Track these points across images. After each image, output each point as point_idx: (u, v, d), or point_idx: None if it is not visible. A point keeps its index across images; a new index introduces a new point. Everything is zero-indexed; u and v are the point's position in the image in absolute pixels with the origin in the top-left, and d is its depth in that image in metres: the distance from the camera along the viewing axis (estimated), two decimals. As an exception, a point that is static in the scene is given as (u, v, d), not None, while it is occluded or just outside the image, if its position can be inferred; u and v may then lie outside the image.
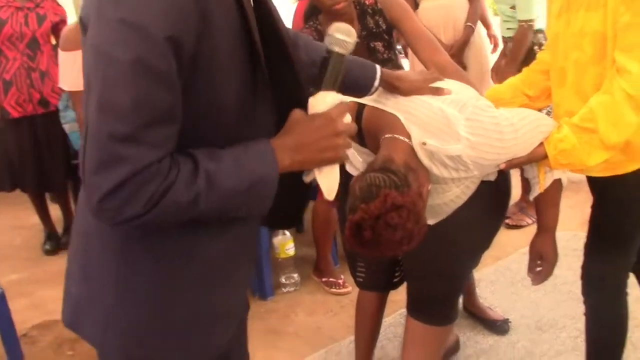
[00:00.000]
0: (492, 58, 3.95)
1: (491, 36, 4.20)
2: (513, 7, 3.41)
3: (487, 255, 2.00)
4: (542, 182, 1.69)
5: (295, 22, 3.19)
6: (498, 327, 2.69)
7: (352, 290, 3.04)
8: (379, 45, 2.16)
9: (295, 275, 3.26)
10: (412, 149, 1.55)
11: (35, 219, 4.09)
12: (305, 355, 2.67)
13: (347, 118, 1.13)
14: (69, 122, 3.53)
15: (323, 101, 1.12)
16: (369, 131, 1.70)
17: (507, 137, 1.53)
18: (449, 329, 2.05)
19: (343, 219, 1.72)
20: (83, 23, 1.00)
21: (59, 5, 3.76)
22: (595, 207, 1.87)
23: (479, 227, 1.80)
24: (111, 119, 0.91)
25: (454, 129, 1.52)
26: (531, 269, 1.89)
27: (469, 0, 3.72)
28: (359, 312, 2.28)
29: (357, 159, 1.79)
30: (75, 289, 1.17)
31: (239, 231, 1.17)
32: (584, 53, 1.66)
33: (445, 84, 1.66)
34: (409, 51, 3.31)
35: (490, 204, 1.75)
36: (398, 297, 2.21)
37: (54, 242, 4.00)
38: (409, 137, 1.56)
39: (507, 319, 2.73)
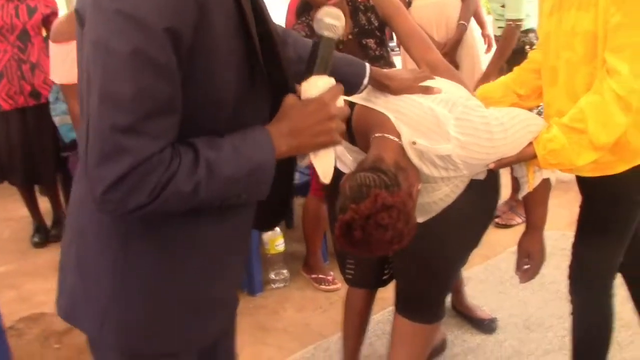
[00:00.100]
0: (487, 58, 3.95)
1: (485, 36, 4.21)
2: (504, 6, 3.41)
3: (476, 254, 2.00)
4: (530, 182, 1.70)
5: (288, 19, 3.19)
6: (486, 325, 2.70)
7: (341, 287, 3.04)
8: (370, 42, 2.16)
9: (285, 271, 3.26)
10: (402, 148, 1.55)
11: (24, 211, 4.08)
12: (293, 352, 2.67)
13: (340, 101, 1.15)
14: (59, 115, 3.51)
15: (315, 86, 1.13)
16: (358, 130, 1.70)
17: (496, 136, 1.53)
18: (437, 327, 2.05)
19: (333, 219, 1.72)
20: (79, 16, 1.00)
21: (50, -4, 3.75)
22: (583, 207, 1.88)
23: (468, 225, 1.80)
24: (112, 110, 0.92)
25: (444, 128, 1.52)
26: (519, 267, 1.90)
27: (462, -2, 3.72)
28: (347, 309, 2.28)
29: (347, 157, 1.79)
30: (70, 281, 1.17)
31: (237, 220, 1.19)
32: (575, 53, 1.66)
33: (435, 82, 1.65)
34: (401, 49, 3.30)
35: (479, 202, 1.76)
36: (387, 295, 2.21)
37: (43, 235, 3.99)
38: (399, 136, 1.56)
39: (495, 318, 2.74)
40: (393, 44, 3.20)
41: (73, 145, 3.38)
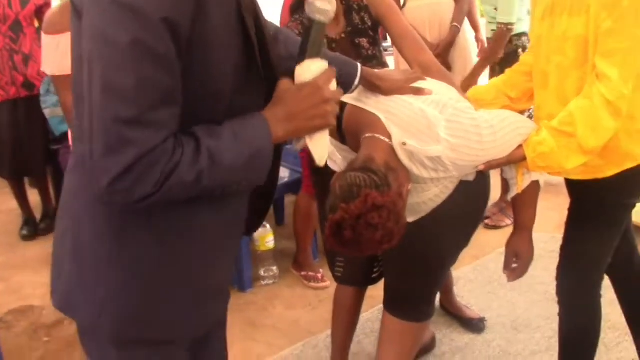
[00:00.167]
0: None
1: (479, 40, 4.21)
2: (497, 9, 3.42)
3: (466, 255, 2.01)
4: (519, 184, 1.71)
5: (283, 17, 3.18)
6: (474, 325, 2.72)
7: (330, 284, 3.04)
8: (364, 41, 2.16)
9: (275, 268, 3.26)
10: (392, 149, 1.56)
11: (12, 203, 4.06)
12: (282, 348, 2.68)
13: (333, 84, 1.17)
14: (50, 107, 3.49)
15: (309, 70, 1.15)
16: (349, 130, 1.70)
17: (486, 139, 1.54)
18: (425, 326, 2.06)
19: (323, 219, 1.73)
20: (76, 7, 1.01)
21: (43, -13, 3.73)
22: (572, 209, 1.89)
23: (457, 225, 1.81)
24: (115, 102, 0.93)
25: (435, 130, 1.52)
26: (507, 266, 1.91)
27: (455, 0, 3.73)
28: (336, 306, 2.29)
29: (337, 157, 1.80)
30: (67, 271, 1.17)
31: (232, 205, 1.20)
32: (567, 57, 1.67)
33: (427, 84, 1.66)
34: (395, 49, 3.31)
35: (468, 202, 1.76)
36: (376, 293, 2.22)
37: (32, 228, 3.98)
38: (389, 137, 1.56)
39: (483, 318, 2.75)
40: (387, 44, 3.19)
41: (63, 137, 3.37)
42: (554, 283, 1.97)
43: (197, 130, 1.03)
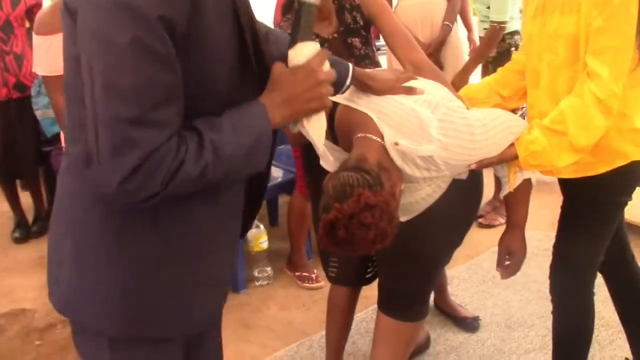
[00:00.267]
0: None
1: (471, 40, 4.21)
2: (490, 7, 3.43)
3: (460, 254, 2.02)
4: (511, 182, 1.71)
5: (276, 17, 3.18)
6: (468, 324, 2.72)
7: (324, 285, 3.04)
8: (356, 41, 2.16)
9: (269, 268, 3.26)
10: (384, 149, 1.56)
11: (4, 206, 4.03)
12: (276, 349, 2.67)
13: (327, 66, 1.18)
14: (41, 109, 3.47)
15: (301, 53, 1.16)
16: (341, 130, 1.70)
17: (478, 138, 1.54)
18: (420, 325, 2.07)
19: (317, 218, 1.73)
20: (69, 7, 1.00)
21: (34, -12, 3.71)
22: (564, 207, 1.89)
23: (450, 224, 1.81)
24: (118, 102, 0.94)
25: (426, 130, 1.52)
26: (500, 263, 1.91)
27: (447, -1, 3.74)
28: (330, 307, 2.28)
29: (329, 157, 1.79)
30: (67, 273, 1.16)
31: (229, 197, 1.20)
32: (558, 55, 1.68)
33: (418, 83, 1.66)
34: (387, 48, 3.31)
35: (461, 201, 1.77)
36: (370, 293, 2.22)
37: (24, 231, 3.94)
38: (381, 136, 1.56)
39: (477, 317, 2.76)
40: (380, 43, 3.19)
41: (55, 139, 3.35)
42: (548, 281, 1.97)
43: (199, 123, 1.04)
